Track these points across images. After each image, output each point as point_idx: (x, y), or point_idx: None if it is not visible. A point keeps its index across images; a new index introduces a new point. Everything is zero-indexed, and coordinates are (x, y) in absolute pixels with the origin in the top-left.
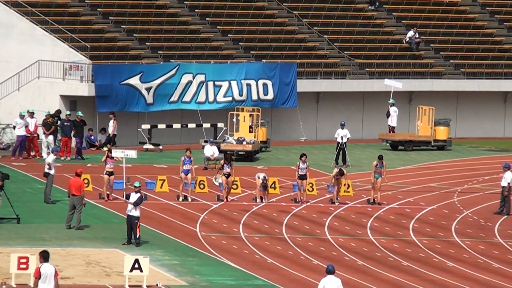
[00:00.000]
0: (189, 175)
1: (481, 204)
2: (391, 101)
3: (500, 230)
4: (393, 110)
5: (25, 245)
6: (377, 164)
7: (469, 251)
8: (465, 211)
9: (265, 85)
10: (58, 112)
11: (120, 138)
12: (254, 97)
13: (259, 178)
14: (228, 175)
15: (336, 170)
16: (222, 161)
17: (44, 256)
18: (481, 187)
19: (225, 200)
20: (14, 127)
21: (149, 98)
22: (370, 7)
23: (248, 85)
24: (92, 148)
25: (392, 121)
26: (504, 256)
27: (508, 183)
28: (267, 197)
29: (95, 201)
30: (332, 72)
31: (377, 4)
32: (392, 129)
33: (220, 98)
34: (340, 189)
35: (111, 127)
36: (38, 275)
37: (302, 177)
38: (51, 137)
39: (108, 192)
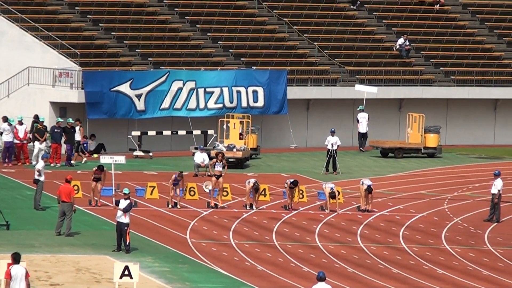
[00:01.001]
0: (179, 184)
1: (471, 212)
2: (360, 107)
3: (490, 238)
4: (362, 117)
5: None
6: (365, 190)
7: (459, 259)
8: (455, 218)
9: (255, 92)
10: (36, 117)
11: (110, 145)
12: (244, 104)
13: (249, 183)
14: (219, 176)
15: (329, 190)
16: (213, 160)
17: (15, 258)
18: (471, 194)
19: (219, 204)
20: (1, 134)
21: (140, 105)
22: (351, 6)
23: (238, 92)
24: (82, 154)
25: (362, 127)
26: (493, 263)
27: (498, 190)
28: (257, 202)
29: (85, 207)
30: (322, 79)
31: (358, 3)
32: (362, 135)
33: (211, 105)
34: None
35: (77, 133)
36: (9, 277)
37: (291, 188)
38: (43, 144)
39: (96, 198)
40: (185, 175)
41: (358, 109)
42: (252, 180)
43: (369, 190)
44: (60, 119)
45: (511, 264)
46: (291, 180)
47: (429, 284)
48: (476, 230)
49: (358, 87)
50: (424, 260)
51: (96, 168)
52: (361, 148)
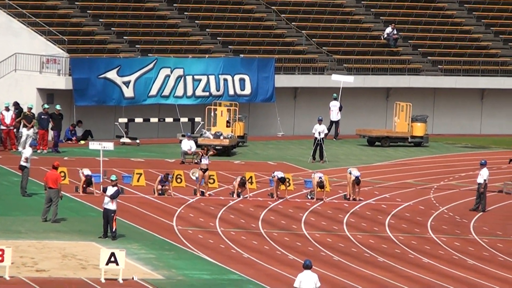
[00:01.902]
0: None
1: (457, 201)
2: (334, 95)
3: (476, 227)
4: (333, 105)
5: (0, 237)
6: (353, 181)
7: (445, 248)
8: (441, 207)
9: (242, 80)
10: (16, 104)
11: (97, 131)
12: (231, 92)
13: (236, 181)
14: (205, 170)
15: (317, 179)
16: (200, 153)
17: None
18: (457, 183)
19: (206, 195)
20: None
21: (128, 92)
22: None
23: (225, 80)
24: (69, 141)
25: (332, 115)
26: (479, 252)
27: (484, 180)
28: (245, 193)
29: (71, 194)
30: (310, 68)
31: None
32: (333, 123)
33: (198, 92)
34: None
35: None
36: None
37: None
38: (31, 130)
39: (85, 185)
40: (171, 163)
41: (332, 96)
42: (239, 178)
43: (357, 182)
44: (46, 106)
45: (496, 254)
46: (279, 176)
47: (414, 272)
48: (461, 219)
49: (335, 76)
50: (410, 249)
51: (84, 179)
52: (334, 138)
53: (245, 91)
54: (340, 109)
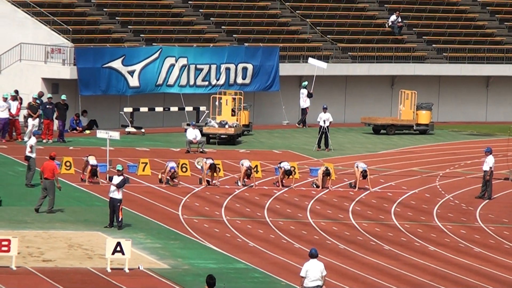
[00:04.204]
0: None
1: (463, 189)
2: (304, 83)
3: (482, 215)
4: (301, 92)
5: (7, 227)
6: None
7: (451, 235)
8: (447, 195)
9: (246, 69)
10: (16, 92)
11: (102, 121)
12: (234, 81)
13: (243, 165)
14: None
15: (323, 169)
16: (207, 166)
17: None
18: (463, 171)
19: (212, 183)
20: None
21: (133, 82)
22: None
23: (228, 69)
24: (75, 131)
25: (301, 102)
26: (485, 240)
27: (490, 168)
28: (251, 181)
29: (77, 184)
30: (314, 56)
31: None
32: (301, 111)
33: (200, 82)
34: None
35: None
36: None
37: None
38: (37, 120)
39: (86, 173)
40: (177, 152)
41: (303, 85)
42: (246, 164)
43: (364, 175)
44: (50, 95)
45: (502, 241)
46: (286, 168)
47: (420, 260)
48: (467, 207)
49: (311, 60)
50: (416, 237)
51: (90, 168)
52: (297, 124)
53: (249, 80)
54: (310, 96)
